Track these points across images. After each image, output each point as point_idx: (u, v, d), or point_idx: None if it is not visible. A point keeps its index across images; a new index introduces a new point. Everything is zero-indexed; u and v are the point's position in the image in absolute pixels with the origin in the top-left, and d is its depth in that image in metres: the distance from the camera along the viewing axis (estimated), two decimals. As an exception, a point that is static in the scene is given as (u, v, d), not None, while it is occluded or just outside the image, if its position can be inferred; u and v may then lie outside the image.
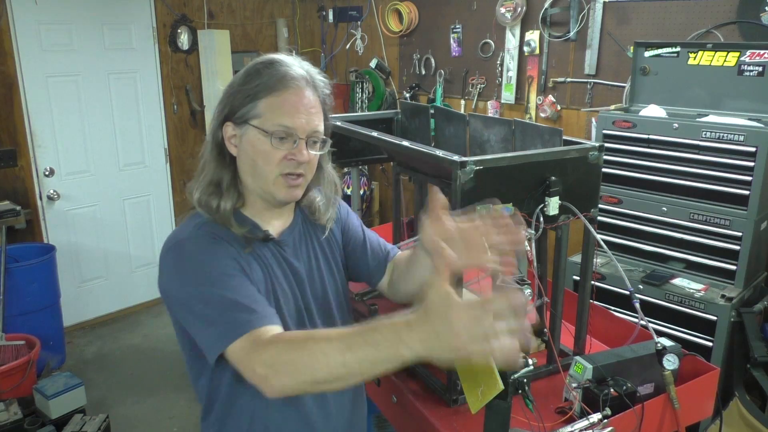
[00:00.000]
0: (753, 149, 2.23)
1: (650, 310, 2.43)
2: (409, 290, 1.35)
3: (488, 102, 3.80)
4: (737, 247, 2.33)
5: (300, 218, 1.31)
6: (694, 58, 2.56)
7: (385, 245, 1.47)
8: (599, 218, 2.09)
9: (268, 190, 1.18)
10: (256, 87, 1.14)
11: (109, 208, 4.27)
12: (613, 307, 2.29)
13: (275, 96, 1.14)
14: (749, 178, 2.25)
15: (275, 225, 1.25)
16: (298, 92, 1.15)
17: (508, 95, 3.67)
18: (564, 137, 1.45)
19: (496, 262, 1.03)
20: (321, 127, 1.19)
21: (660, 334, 1.53)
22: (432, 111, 1.95)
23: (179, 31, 4.35)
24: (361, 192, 4.52)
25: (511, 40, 3.58)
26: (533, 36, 3.46)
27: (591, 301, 1.53)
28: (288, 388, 0.95)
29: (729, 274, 2.38)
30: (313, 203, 1.31)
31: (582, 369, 1.34)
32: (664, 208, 2.51)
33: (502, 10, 3.51)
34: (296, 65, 1.18)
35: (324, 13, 4.82)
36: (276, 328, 1.06)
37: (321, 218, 1.31)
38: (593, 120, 3.15)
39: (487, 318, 0.78)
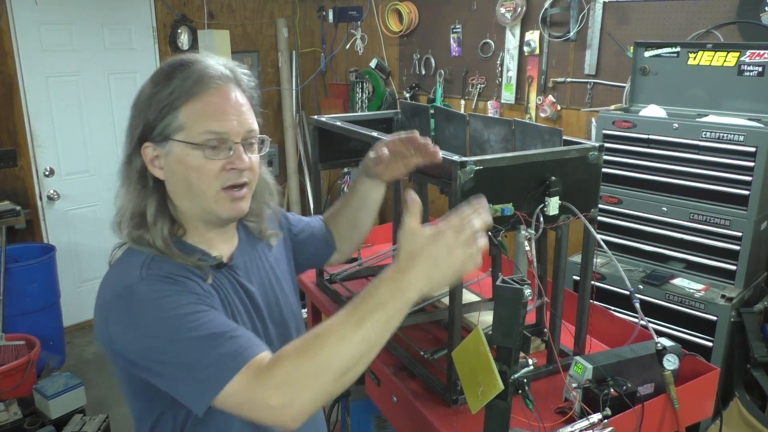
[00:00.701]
0: (753, 149, 2.22)
1: (650, 310, 2.43)
2: (356, 239, 1.46)
3: (488, 102, 3.80)
4: (737, 247, 2.33)
5: (243, 235, 1.19)
6: (694, 58, 2.56)
7: (315, 218, 1.47)
8: (599, 218, 2.09)
9: (209, 209, 1.03)
10: (171, 95, 0.98)
11: (109, 208, 4.16)
12: (613, 307, 2.29)
13: (196, 101, 0.99)
14: (749, 178, 2.25)
15: (224, 249, 1.13)
16: (221, 91, 1.01)
17: (508, 95, 3.67)
18: (564, 137, 1.45)
19: (426, 157, 1.27)
20: (255, 126, 1.06)
21: (660, 334, 1.53)
22: (432, 111, 1.95)
23: (179, 31, 4.35)
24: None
25: (511, 40, 3.58)
26: (533, 36, 3.46)
27: (591, 301, 1.53)
28: (312, 403, 0.88)
29: (729, 274, 2.38)
30: (260, 217, 1.20)
31: (582, 369, 1.33)
32: (664, 208, 2.51)
33: (502, 10, 3.51)
34: (213, 62, 1.03)
35: (324, 13, 4.82)
36: (268, 353, 0.93)
37: (264, 232, 1.20)
38: (593, 120, 3.15)
39: (458, 234, 0.91)
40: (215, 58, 1.06)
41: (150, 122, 1.00)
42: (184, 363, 0.92)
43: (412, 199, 0.96)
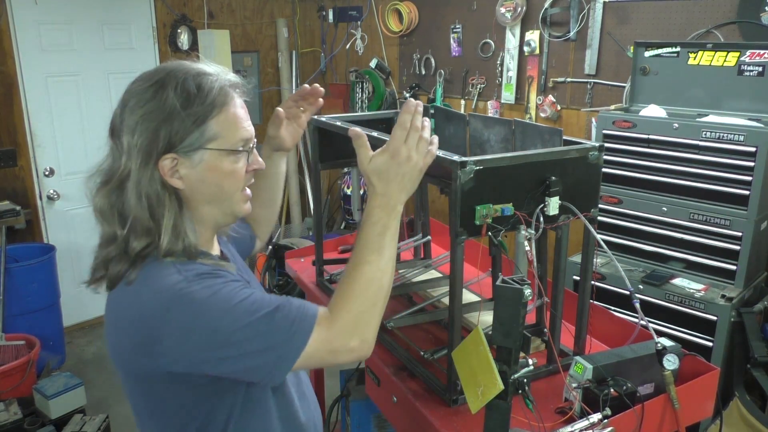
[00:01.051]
0: (753, 149, 2.23)
1: (650, 310, 2.43)
2: (267, 214, 1.51)
3: (488, 102, 3.80)
4: (737, 247, 2.33)
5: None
6: (694, 58, 2.56)
7: None
8: (599, 218, 2.09)
9: (235, 209, 1.11)
10: (203, 108, 1.01)
11: (109, 208, 4.26)
12: (613, 307, 2.29)
13: (225, 112, 1.04)
14: (749, 178, 2.26)
15: (215, 249, 1.20)
16: (239, 100, 1.08)
17: (508, 95, 3.67)
18: (564, 137, 1.45)
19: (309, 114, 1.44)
20: None
21: (660, 334, 1.52)
22: (432, 111, 1.95)
23: (179, 31, 4.35)
24: (361, 192, 4.51)
25: (511, 40, 3.58)
26: (533, 36, 3.46)
27: (591, 301, 1.53)
28: (376, 330, 1.05)
29: (729, 274, 2.38)
30: None
31: (582, 369, 1.33)
32: (664, 208, 2.51)
33: (502, 10, 3.51)
34: (222, 73, 1.08)
35: (324, 13, 4.82)
36: (322, 307, 1.05)
37: (227, 229, 1.25)
38: (593, 120, 3.15)
39: (407, 143, 1.08)
40: (215, 65, 1.10)
41: (178, 133, 1.01)
42: (258, 346, 0.97)
43: (356, 133, 1.10)
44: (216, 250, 1.19)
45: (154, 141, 1.00)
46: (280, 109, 1.39)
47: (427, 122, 1.10)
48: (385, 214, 1.08)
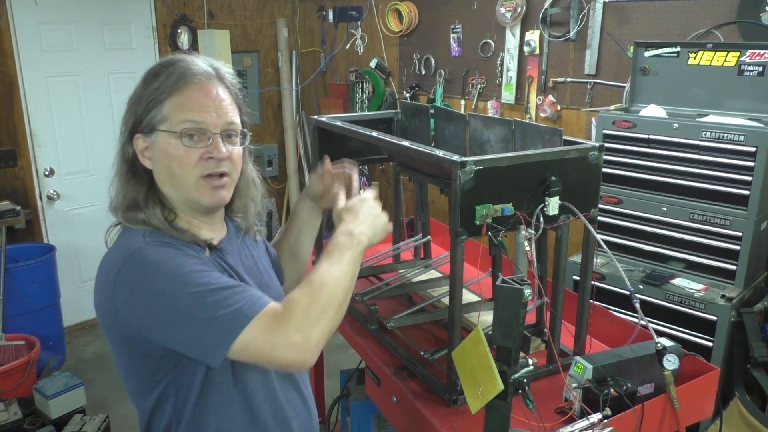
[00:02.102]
0: (753, 149, 2.22)
1: (650, 310, 2.43)
2: (300, 261, 1.50)
3: (488, 102, 3.80)
4: (737, 247, 2.33)
5: (232, 229, 1.26)
6: (694, 58, 2.56)
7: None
8: (599, 218, 2.09)
9: (191, 197, 1.10)
10: (156, 90, 1.08)
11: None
12: (613, 307, 2.29)
13: (178, 94, 1.07)
14: (749, 178, 2.25)
15: (212, 236, 1.19)
16: (202, 87, 1.09)
17: (508, 95, 3.67)
18: (564, 137, 1.45)
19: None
20: (236, 119, 1.13)
21: (660, 334, 1.52)
22: (432, 111, 1.95)
23: (179, 31, 4.35)
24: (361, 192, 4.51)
25: (511, 40, 3.58)
26: (533, 36, 3.46)
27: (591, 301, 1.53)
28: (323, 336, 1.02)
29: (729, 274, 2.38)
30: (238, 212, 1.27)
31: (582, 369, 1.34)
32: (664, 208, 2.51)
33: (502, 10, 3.51)
34: (198, 61, 1.13)
35: (324, 13, 4.82)
36: (276, 303, 1.04)
37: (251, 227, 1.29)
38: (593, 120, 3.15)
39: (372, 201, 1.25)
40: (201, 58, 1.15)
41: (139, 115, 1.09)
42: (199, 316, 0.98)
43: (348, 176, 1.34)
44: (214, 236, 1.18)
45: (128, 120, 1.11)
46: (327, 157, 1.44)
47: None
48: (348, 240, 1.14)
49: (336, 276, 1.07)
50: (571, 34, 3.26)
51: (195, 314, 0.98)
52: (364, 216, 1.20)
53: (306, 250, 1.49)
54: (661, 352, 1.34)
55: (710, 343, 2.35)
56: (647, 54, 2.70)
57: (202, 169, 1.08)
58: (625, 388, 1.30)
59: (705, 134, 2.35)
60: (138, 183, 1.11)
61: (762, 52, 2.38)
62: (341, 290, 1.07)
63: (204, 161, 1.08)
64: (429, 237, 2.18)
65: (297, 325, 0.99)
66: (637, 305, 1.37)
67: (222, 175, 1.11)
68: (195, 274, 1.01)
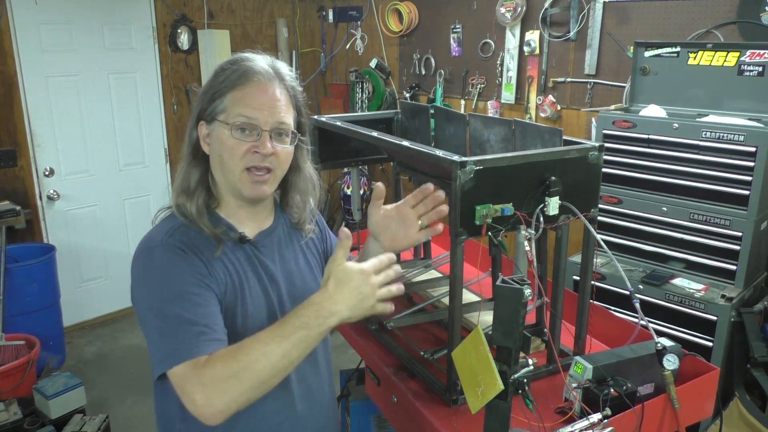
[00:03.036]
0: (753, 149, 2.23)
1: (650, 310, 2.43)
2: None
3: (488, 102, 3.80)
4: (737, 247, 2.33)
5: (284, 222, 1.32)
6: (694, 58, 2.56)
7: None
8: (599, 218, 2.09)
9: (234, 185, 1.19)
10: (221, 83, 1.17)
11: (109, 208, 4.27)
12: (613, 307, 2.29)
13: (238, 90, 1.16)
14: (749, 178, 2.25)
15: (250, 226, 1.26)
16: (260, 85, 1.17)
17: (508, 95, 3.67)
18: (564, 137, 1.45)
19: (427, 233, 1.36)
20: (288, 120, 1.19)
21: (660, 334, 1.52)
22: (432, 111, 1.95)
23: (179, 31, 4.35)
24: (361, 192, 4.51)
25: (511, 40, 3.58)
26: (533, 36, 3.46)
27: (591, 301, 1.53)
28: (229, 405, 1.00)
29: (729, 274, 2.38)
30: (294, 207, 1.33)
31: (582, 369, 1.33)
32: (664, 208, 2.51)
33: (502, 10, 3.51)
34: (260, 60, 1.21)
35: (324, 13, 4.82)
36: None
37: (301, 223, 1.33)
38: (593, 120, 3.15)
39: (372, 277, 1.10)
40: (267, 58, 1.23)
41: (204, 104, 1.19)
42: (160, 331, 1.07)
43: (346, 235, 1.12)
44: (248, 228, 1.24)
45: (196, 108, 1.21)
46: (380, 184, 1.37)
47: (396, 287, 1.14)
48: (314, 315, 1.05)
49: (271, 356, 1.01)
50: (571, 34, 3.26)
51: (158, 329, 1.08)
52: (350, 293, 1.08)
53: None
54: (661, 352, 1.34)
55: (710, 343, 2.35)
56: (647, 54, 2.70)
57: (247, 161, 1.16)
58: (625, 388, 1.30)
59: (705, 134, 2.35)
60: (196, 166, 1.21)
61: (762, 52, 2.38)
62: (269, 370, 1.01)
63: (250, 154, 1.16)
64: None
65: (203, 384, 0.99)
66: (637, 305, 1.37)
67: (266, 170, 1.18)
68: (180, 295, 1.09)
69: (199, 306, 1.09)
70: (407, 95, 4.24)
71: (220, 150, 1.17)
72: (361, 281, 1.09)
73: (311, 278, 1.34)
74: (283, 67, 1.23)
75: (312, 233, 1.38)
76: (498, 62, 3.69)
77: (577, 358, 1.37)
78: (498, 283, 1.11)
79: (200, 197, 1.19)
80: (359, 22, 4.58)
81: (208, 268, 1.14)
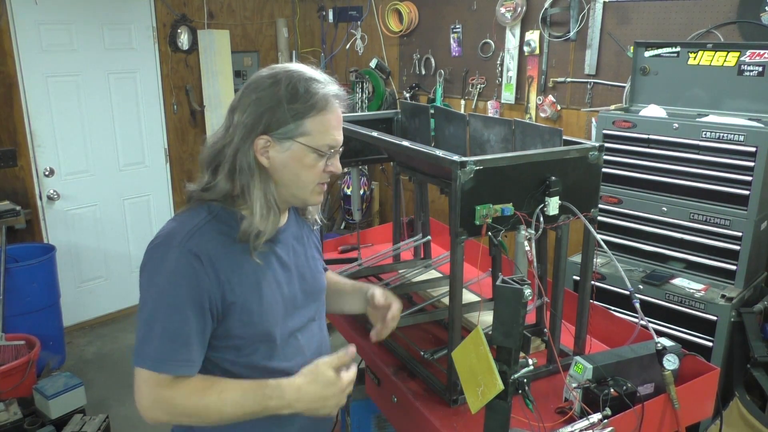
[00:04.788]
0: (753, 149, 2.23)
1: (650, 310, 2.43)
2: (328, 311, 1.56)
3: (488, 102, 3.80)
4: (737, 247, 2.33)
5: (293, 217, 1.38)
6: (694, 58, 2.56)
7: (323, 264, 1.57)
8: (599, 218, 2.09)
9: (304, 197, 1.26)
10: (304, 105, 1.18)
11: (109, 208, 4.27)
12: (613, 307, 2.29)
13: (321, 116, 1.20)
14: (749, 178, 2.26)
15: (274, 224, 1.29)
16: (336, 110, 1.23)
17: (508, 95, 3.67)
18: (564, 137, 1.45)
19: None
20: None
21: (660, 334, 1.53)
22: (432, 111, 1.95)
23: (179, 31, 4.35)
24: (361, 192, 4.52)
25: (511, 40, 3.58)
26: (533, 36, 3.46)
27: (591, 301, 1.53)
28: (163, 423, 1.17)
29: (729, 274, 2.38)
30: (313, 209, 1.42)
31: (582, 369, 1.34)
32: (664, 208, 2.51)
33: (502, 10, 3.51)
34: (330, 83, 1.24)
35: (324, 13, 4.82)
36: (177, 379, 1.15)
37: (311, 216, 1.42)
38: (593, 120, 3.15)
39: (344, 393, 1.21)
40: (328, 77, 1.25)
41: (277, 122, 1.18)
42: (145, 329, 1.16)
43: (351, 355, 1.23)
44: (278, 225, 1.29)
45: (257, 121, 1.18)
46: (380, 299, 1.47)
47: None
48: (276, 405, 1.17)
49: (225, 416, 1.15)
50: (571, 34, 3.26)
51: (145, 325, 1.16)
52: (316, 397, 1.18)
53: (334, 310, 1.60)
54: (661, 352, 1.34)
55: (710, 343, 2.35)
56: (647, 54, 2.70)
57: (321, 178, 1.25)
58: (625, 388, 1.30)
59: (705, 134, 2.35)
60: (256, 178, 1.21)
61: (762, 52, 2.38)
62: (216, 422, 1.17)
63: (324, 173, 1.25)
64: (429, 237, 2.17)
65: (155, 401, 1.15)
66: (637, 305, 1.37)
67: (326, 182, 1.29)
68: (174, 304, 1.14)
69: (185, 323, 1.14)
70: (407, 95, 4.24)
71: (297, 169, 1.21)
72: (332, 393, 1.19)
73: (317, 270, 1.41)
74: (340, 89, 1.28)
75: (316, 225, 1.46)
76: (498, 62, 3.69)
77: (577, 358, 1.37)
78: (498, 283, 1.11)
79: (271, 214, 1.23)
80: (359, 22, 4.58)
81: (219, 280, 1.17)
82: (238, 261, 1.20)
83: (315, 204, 1.33)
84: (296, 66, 1.24)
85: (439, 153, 1.35)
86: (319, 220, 1.46)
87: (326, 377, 1.18)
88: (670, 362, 1.34)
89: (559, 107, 3.42)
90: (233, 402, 1.14)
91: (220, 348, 1.22)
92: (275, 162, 1.21)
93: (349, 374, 1.21)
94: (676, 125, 2.43)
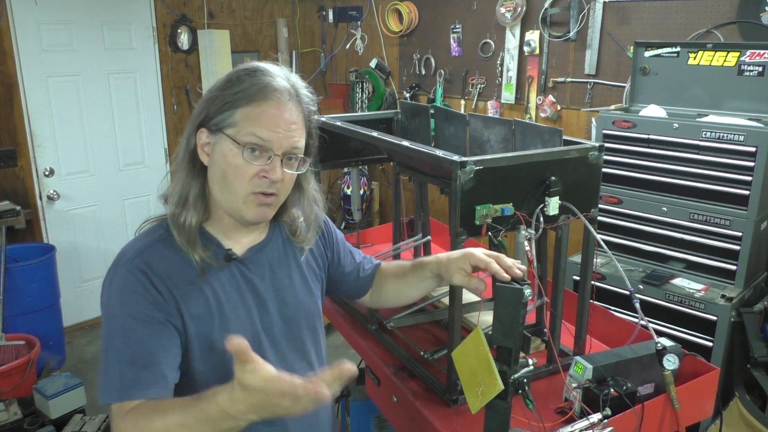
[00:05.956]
0: (753, 149, 2.23)
1: (650, 310, 2.43)
2: (395, 303, 1.44)
3: (488, 102, 3.80)
4: (737, 247, 2.33)
5: (279, 236, 1.25)
6: (694, 58, 2.56)
7: (371, 259, 1.47)
8: (599, 218, 2.09)
9: (237, 207, 1.10)
10: (235, 95, 1.07)
11: (109, 208, 4.27)
12: (613, 307, 2.29)
13: (254, 106, 1.07)
14: (749, 178, 2.25)
15: (242, 242, 1.18)
16: (279, 105, 1.08)
17: (508, 95, 3.67)
18: (564, 137, 1.45)
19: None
20: (300, 144, 1.12)
21: (660, 334, 1.53)
22: (432, 111, 1.95)
23: (179, 31, 4.35)
24: (361, 192, 4.52)
25: (511, 40, 3.58)
26: (533, 36, 3.46)
27: (591, 301, 1.53)
28: None
29: (729, 274, 2.38)
30: (294, 222, 1.25)
31: (582, 369, 1.34)
32: (664, 208, 2.51)
33: (502, 10, 3.51)
34: (281, 76, 1.11)
35: (324, 13, 4.82)
36: (148, 402, 1.01)
37: (299, 240, 1.25)
38: (593, 120, 3.15)
39: (285, 395, 0.86)
40: (286, 72, 1.14)
41: (211, 112, 1.09)
42: (104, 361, 1.05)
43: (348, 368, 0.91)
44: (239, 244, 1.17)
45: (198, 114, 1.11)
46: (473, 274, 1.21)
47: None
48: (220, 417, 0.91)
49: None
50: (571, 34, 3.26)
51: (106, 350, 1.05)
52: (254, 404, 0.88)
53: (410, 298, 1.42)
54: (661, 352, 1.34)
55: (710, 343, 2.35)
56: (647, 54, 2.70)
57: (255, 186, 1.08)
58: (625, 388, 1.30)
59: (705, 134, 2.35)
60: (195, 177, 1.12)
61: (762, 52, 2.38)
62: None
63: (258, 178, 1.08)
64: (429, 237, 2.17)
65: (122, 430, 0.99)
66: (637, 305, 1.37)
67: (271, 194, 1.11)
68: (129, 327, 1.04)
69: (142, 342, 1.03)
70: (407, 95, 4.24)
71: (224, 167, 1.08)
72: (276, 398, 0.88)
73: (305, 294, 1.26)
74: (302, 86, 1.14)
75: (309, 245, 1.28)
76: (498, 62, 3.69)
77: (577, 358, 1.37)
78: (498, 283, 1.11)
79: (199, 212, 1.11)
80: (359, 22, 4.58)
81: (173, 297, 1.07)
82: (194, 283, 1.09)
83: (252, 219, 1.11)
84: (261, 63, 1.13)
85: (439, 153, 1.34)
86: (307, 243, 1.27)
87: (252, 385, 0.88)
88: (670, 362, 1.34)
89: (559, 107, 3.42)
90: (179, 426, 0.94)
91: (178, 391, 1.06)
92: (211, 159, 1.11)
93: (284, 384, 0.88)
94: (676, 125, 2.43)
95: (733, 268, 2.36)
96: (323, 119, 1.90)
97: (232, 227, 1.16)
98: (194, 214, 1.10)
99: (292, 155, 1.11)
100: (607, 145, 2.36)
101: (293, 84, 1.13)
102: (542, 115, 3.47)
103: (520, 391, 1.10)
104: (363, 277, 1.44)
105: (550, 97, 3.43)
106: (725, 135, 2.29)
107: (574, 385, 1.33)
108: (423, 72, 4.21)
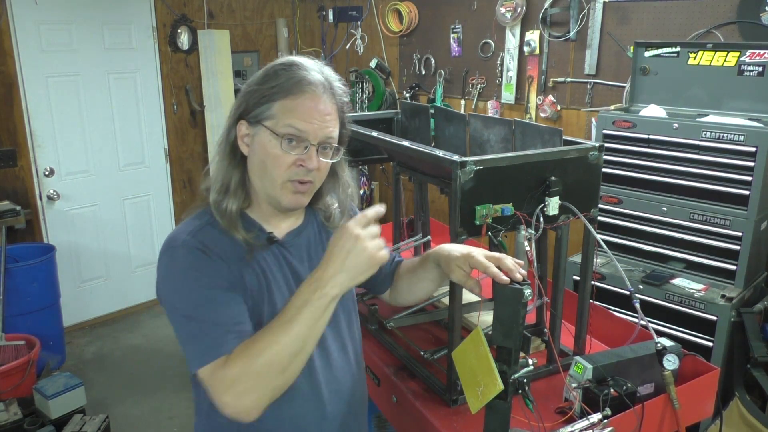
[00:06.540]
0: (753, 149, 2.23)
1: (650, 310, 2.43)
2: (410, 300, 1.46)
3: (488, 102, 3.80)
4: (737, 247, 2.33)
5: (314, 221, 1.31)
6: (694, 58, 2.56)
7: (394, 256, 1.49)
8: (599, 218, 2.09)
9: (274, 194, 1.17)
10: (272, 88, 1.14)
11: (109, 208, 4.27)
12: (613, 307, 2.29)
13: (290, 99, 1.13)
14: (749, 178, 2.25)
15: (281, 227, 1.24)
16: (314, 97, 1.14)
17: (508, 95, 3.67)
18: (564, 137, 1.45)
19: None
20: (335, 134, 1.18)
21: (660, 334, 1.53)
22: (432, 111, 1.95)
23: (179, 31, 4.35)
24: (361, 192, 4.52)
25: (511, 40, 3.58)
26: (533, 36, 3.46)
27: (591, 301, 1.53)
28: (259, 399, 1.02)
29: (729, 274, 2.38)
30: (329, 209, 1.31)
31: (582, 369, 1.34)
32: (664, 208, 2.51)
33: (502, 10, 3.51)
34: (315, 70, 1.17)
35: (324, 13, 4.82)
36: None
37: (333, 225, 1.31)
38: (593, 120, 3.15)
39: (353, 230, 1.06)
40: (320, 65, 1.19)
41: (250, 105, 1.15)
42: (188, 332, 1.08)
43: (363, 214, 1.09)
44: (277, 228, 1.23)
45: (238, 107, 1.17)
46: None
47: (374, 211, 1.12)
48: (311, 290, 1.04)
49: (282, 343, 1.02)
50: (571, 34, 3.26)
51: (186, 327, 1.09)
52: (337, 255, 1.05)
53: (421, 294, 1.45)
54: (661, 352, 1.34)
55: (710, 343, 2.35)
56: (647, 54, 2.70)
57: (292, 174, 1.15)
58: (625, 388, 1.30)
59: (705, 134, 2.35)
60: (236, 167, 1.19)
61: (762, 52, 2.38)
62: (285, 357, 1.02)
63: (295, 167, 1.14)
64: (429, 237, 2.17)
65: (227, 386, 1.01)
66: (637, 305, 1.37)
67: (307, 182, 1.17)
68: (202, 296, 1.09)
69: (223, 307, 1.09)
70: (407, 95, 4.24)
71: (263, 157, 1.14)
72: (343, 239, 1.05)
73: None
74: (335, 79, 1.20)
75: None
76: (498, 62, 3.69)
77: (577, 358, 1.38)
78: (498, 283, 1.11)
79: (239, 198, 1.18)
80: (359, 22, 4.58)
81: (231, 271, 1.13)
82: (244, 260, 1.15)
83: (288, 206, 1.18)
84: (295, 57, 1.20)
85: (439, 153, 1.35)
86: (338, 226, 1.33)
87: (332, 237, 1.07)
88: (670, 362, 1.34)
89: (559, 107, 3.42)
90: (282, 324, 1.03)
91: None
92: (250, 150, 1.17)
93: (353, 219, 1.07)
94: (676, 125, 2.43)
95: (733, 268, 2.36)
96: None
97: (271, 213, 1.22)
98: (235, 201, 1.17)
99: (327, 144, 1.17)
100: (607, 145, 2.37)
101: (327, 77, 1.18)
102: (542, 115, 3.47)
103: (520, 391, 1.10)
104: (386, 273, 1.46)
105: (550, 97, 3.43)
106: (725, 135, 2.29)
107: (574, 385, 1.33)
108: (423, 72, 4.21)
